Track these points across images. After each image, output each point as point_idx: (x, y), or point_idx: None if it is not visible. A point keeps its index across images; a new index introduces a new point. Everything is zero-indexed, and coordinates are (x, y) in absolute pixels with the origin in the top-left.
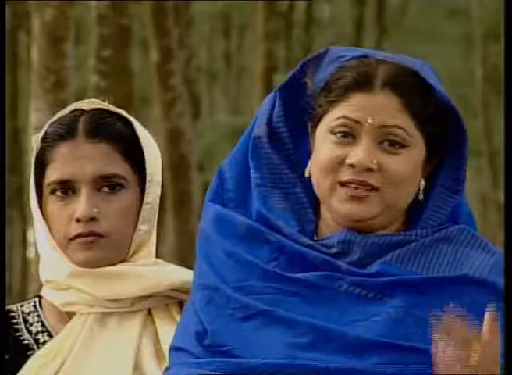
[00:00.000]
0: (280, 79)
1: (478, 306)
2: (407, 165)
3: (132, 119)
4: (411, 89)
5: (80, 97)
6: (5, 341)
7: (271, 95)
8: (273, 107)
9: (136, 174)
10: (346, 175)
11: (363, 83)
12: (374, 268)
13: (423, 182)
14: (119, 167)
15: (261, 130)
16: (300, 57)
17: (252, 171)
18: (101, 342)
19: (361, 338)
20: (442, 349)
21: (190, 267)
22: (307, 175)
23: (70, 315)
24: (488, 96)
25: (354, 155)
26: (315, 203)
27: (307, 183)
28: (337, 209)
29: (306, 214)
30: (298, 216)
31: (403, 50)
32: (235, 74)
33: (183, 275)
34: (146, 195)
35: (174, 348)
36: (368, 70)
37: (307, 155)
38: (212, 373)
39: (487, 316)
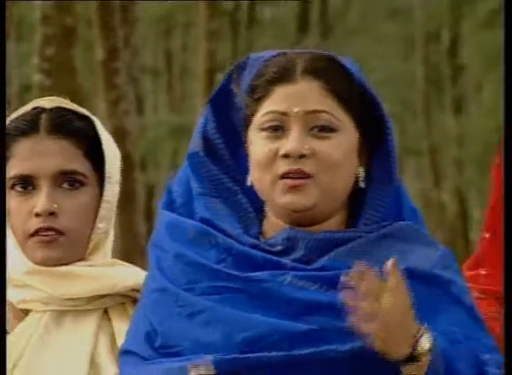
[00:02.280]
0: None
1: (424, 299)
2: (339, 148)
3: (93, 117)
4: (332, 73)
5: (22, 95)
6: (4, 339)
7: (204, 109)
8: (206, 121)
9: (95, 172)
10: (282, 166)
11: (284, 75)
12: (319, 263)
13: (362, 169)
14: (80, 164)
15: (196, 145)
16: (243, 56)
17: (193, 183)
18: (57, 340)
19: (311, 330)
20: (354, 303)
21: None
22: (249, 184)
23: (27, 312)
24: (428, 96)
25: (287, 145)
26: (259, 208)
27: (248, 191)
28: (279, 202)
29: (250, 218)
30: (242, 220)
31: (344, 50)
32: (178, 73)
33: (139, 276)
34: (105, 193)
35: (124, 352)
36: (288, 62)
37: (246, 162)
38: None
39: (388, 265)
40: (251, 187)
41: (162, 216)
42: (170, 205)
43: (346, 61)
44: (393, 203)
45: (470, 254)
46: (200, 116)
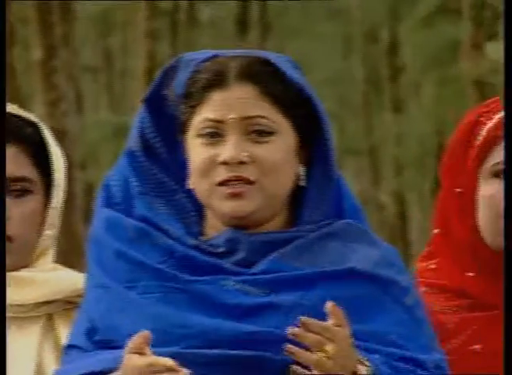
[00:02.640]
0: None
1: (365, 299)
2: (279, 151)
3: (40, 123)
4: (266, 76)
5: None
6: (4, 339)
7: (140, 109)
8: (143, 120)
9: (42, 178)
10: (221, 174)
11: (218, 81)
12: (260, 265)
13: (302, 169)
14: (28, 170)
15: (134, 143)
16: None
17: (133, 181)
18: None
19: (253, 333)
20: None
21: (72, 267)
22: (190, 187)
23: None
24: (367, 96)
25: (225, 152)
26: (199, 208)
27: (188, 190)
28: (219, 209)
29: (190, 218)
30: (183, 220)
31: (284, 50)
32: (118, 73)
33: (82, 281)
34: (52, 201)
35: (66, 347)
36: (221, 67)
37: (185, 161)
38: (100, 368)
39: (329, 306)
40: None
41: (101, 213)
42: (108, 202)
43: (282, 61)
44: (334, 201)
45: (409, 255)
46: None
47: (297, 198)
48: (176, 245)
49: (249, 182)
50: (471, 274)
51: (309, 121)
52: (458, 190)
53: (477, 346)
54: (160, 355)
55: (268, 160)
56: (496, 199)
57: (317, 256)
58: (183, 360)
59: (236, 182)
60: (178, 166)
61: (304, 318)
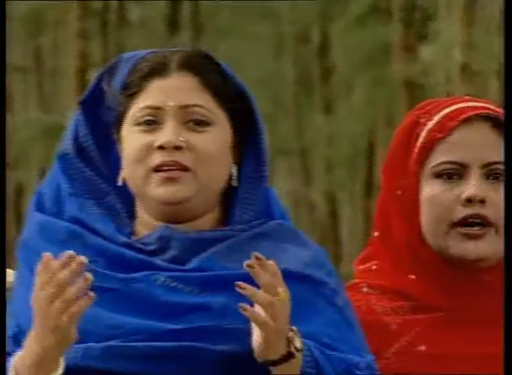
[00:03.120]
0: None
1: (298, 300)
2: (215, 142)
3: None
4: (206, 68)
5: None
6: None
7: (76, 111)
8: (78, 122)
9: None
10: (157, 158)
11: (158, 69)
12: (192, 263)
13: (235, 168)
14: None
15: (68, 146)
16: (114, 56)
17: (64, 183)
18: None
19: (180, 330)
20: (252, 293)
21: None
22: (120, 183)
23: None
24: (299, 96)
25: (162, 137)
26: (131, 209)
27: (120, 191)
28: (153, 195)
29: (122, 218)
30: (114, 220)
31: (216, 49)
32: (49, 72)
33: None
34: None
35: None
36: (162, 58)
37: (118, 163)
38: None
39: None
40: (123, 186)
41: (33, 217)
42: (40, 207)
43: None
44: (264, 203)
45: (341, 254)
46: (71, 115)
47: (229, 198)
48: (107, 244)
49: (184, 168)
50: (412, 277)
51: (244, 118)
52: (399, 192)
53: (422, 347)
54: (89, 348)
55: (204, 149)
56: (437, 200)
57: (248, 256)
58: (113, 353)
59: (171, 167)
60: (110, 167)
61: (258, 254)
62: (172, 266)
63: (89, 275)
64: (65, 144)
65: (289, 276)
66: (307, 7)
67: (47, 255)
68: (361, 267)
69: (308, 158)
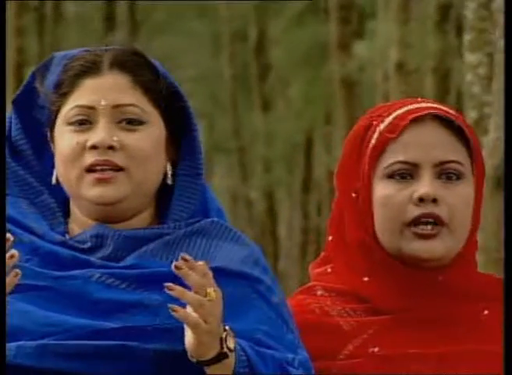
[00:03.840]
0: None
1: (234, 297)
2: (148, 141)
3: None
4: (139, 67)
5: None
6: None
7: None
8: (11, 121)
9: None
10: (89, 158)
11: (91, 68)
12: (128, 260)
13: (169, 166)
14: None
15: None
16: (51, 52)
17: None
18: None
19: (115, 328)
20: (182, 293)
21: None
22: (54, 182)
23: None
24: (236, 94)
25: (94, 137)
26: (65, 208)
27: (54, 191)
28: (86, 196)
29: (56, 218)
30: (48, 219)
31: (152, 46)
32: None
33: None
34: None
35: None
36: (94, 56)
37: (51, 162)
38: None
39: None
40: (57, 185)
41: None
42: None
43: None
44: (200, 201)
45: (278, 250)
46: (7, 113)
47: (164, 196)
48: (40, 242)
49: (117, 168)
50: (365, 279)
51: (177, 115)
52: (353, 194)
53: (375, 349)
54: (22, 346)
55: (137, 148)
56: (390, 200)
57: (183, 254)
58: (46, 351)
59: (104, 167)
60: (44, 167)
61: (186, 255)
62: (107, 263)
63: (18, 271)
64: None
65: (224, 273)
66: (244, 5)
67: None
68: (317, 270)
69: (246, 156)
